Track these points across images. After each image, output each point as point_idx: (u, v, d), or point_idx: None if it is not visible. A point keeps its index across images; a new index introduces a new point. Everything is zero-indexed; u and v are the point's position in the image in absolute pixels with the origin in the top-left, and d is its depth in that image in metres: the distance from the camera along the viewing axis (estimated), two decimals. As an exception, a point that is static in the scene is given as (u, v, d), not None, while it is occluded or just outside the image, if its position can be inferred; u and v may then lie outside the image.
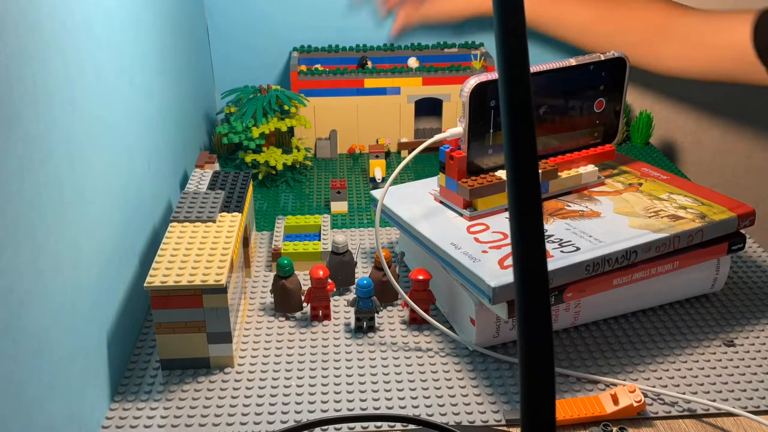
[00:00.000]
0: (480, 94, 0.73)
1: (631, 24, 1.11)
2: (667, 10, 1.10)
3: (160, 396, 0.67)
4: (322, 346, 0.73)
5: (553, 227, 0.73)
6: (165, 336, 0.67)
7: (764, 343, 0.73)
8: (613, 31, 1.12)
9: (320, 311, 0.77)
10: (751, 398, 0.66)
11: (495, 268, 0.67)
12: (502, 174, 0.77)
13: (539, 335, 0.34)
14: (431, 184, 0.84)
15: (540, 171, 0.78)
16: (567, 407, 0.63)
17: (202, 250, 0.69)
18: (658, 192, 0.79)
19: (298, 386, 0.68)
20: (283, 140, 1.13)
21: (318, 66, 1.19)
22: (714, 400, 0.66)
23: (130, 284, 0.73)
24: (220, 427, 0.63)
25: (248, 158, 1.05)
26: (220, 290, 0.66)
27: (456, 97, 1.16)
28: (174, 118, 0.94)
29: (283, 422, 0.64)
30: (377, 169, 1.06)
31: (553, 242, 0.70)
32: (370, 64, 1.20)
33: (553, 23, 1.16)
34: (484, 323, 0.70)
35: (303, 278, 0.84)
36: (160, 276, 0.65)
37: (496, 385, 0.68)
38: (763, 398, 0.66)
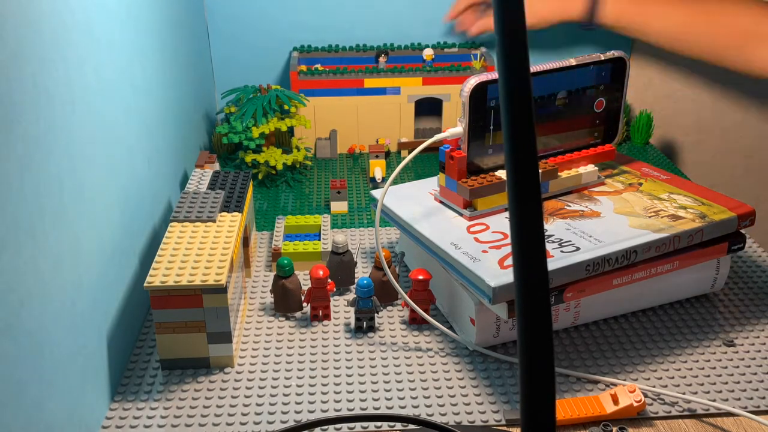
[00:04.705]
0: (480, 94, 0.73)
1: (723, 27, 1.05)
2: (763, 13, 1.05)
3: (160, 396, 0.67)
4: (322, 346, 0.73)
5: (553, 227, 0.73)
6: (165, 336, 0.67)
7: (764, 343, 0.73)
8: (703, 33, 1.06)
9: (320, 311, 0.77)
10: (751, 398, 0.66)
11: (495, 268, 0.67)
12: (502, 174, 0.77)
13: (539, 335, 0.34)
14: (431, 184, 0.84)
15: (540, 171, 0.78)
16: (567, 407, 0.63)
17: (202, 250, 0.69)
18: (658, 192, 0.79)
19: (298, 386, 0.68)
20: (283, 140, 1.13)
21: (318, 66, 1.19)
22: (714, 400, 0.66)
23: (130, 284, 0.73)
24: (220, 427, 0.63)
25: (248, 158, 1.05)
26: (220, 290, 0.66)
27: (456, 97, 1.16)
28: (174, 118, 0.94)
29: (283, 422, 0.64)
30: (377, 169, 1.06)
31: (553, 242, 0.70)
32: (383, 60, 1.20)
33: (639, 26, 1.11)
34: (484, 323, 0.70)
35: (303, 278, 0.84)
36: (160, 276, 0.65)
37: (496, 385, 0.68)
38: (763, 398, 0.66)
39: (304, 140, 1.15)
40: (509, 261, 0.68)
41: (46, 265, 0.53)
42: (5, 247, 0.47)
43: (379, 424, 0.63)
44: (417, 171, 1.12)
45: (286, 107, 1.09)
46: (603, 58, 0.80)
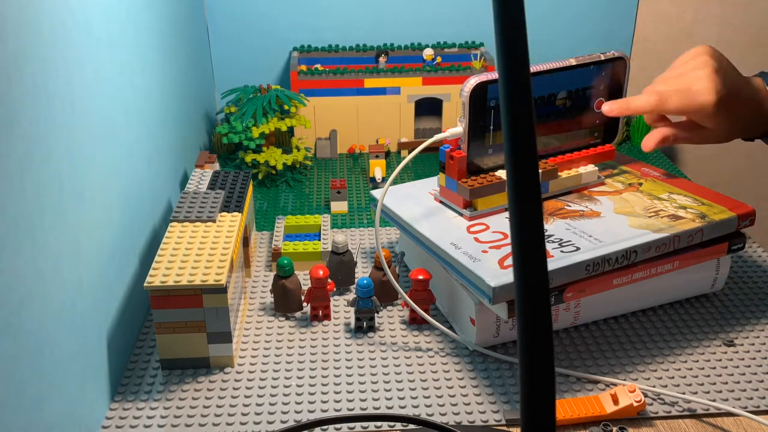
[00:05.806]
0: (480, 94, 0.73)
1: None
2: None
3: (160, 396, 0.67)
4: (322, 346, 0.73)
5: (553, 227, 0.73)
6: (165, 336, 0.67)
7: (764, 343, 0.73)
8: None
9: (320, 311, 0.77)
10: (751, 398, 0.66)
11: (495, 268, 0.67)
12: (502, 174, 0.77)
13: (539, 335, 0.34)
14: (431, 184, 0.84)
15: (540, 171, 0.78)
16: (567, 407, 0.63)
17: (202, 250, 0.69)
18: (658, 192, 0.79)
19: (298, 386, 0.68)
20: (283, 140, 1.13)
21: (318, 66, 1.19)
22: (714, 400, 0.66)
23: (130, 284, 0.73)
24: (220, 427, 0.63)
25: (248, 158, 1.05)
26: (220, 290, 0.66)
27: (456, 97, 1.16)
28: (174, 118, 0.94)
29: (283, 422, 0.64)
30: (377, 169, 1.06)
31: (553, 242, 0.70)
32: (383, 60, 1.20)
33: None
34: (484, 323, 0.70)
35: (303, 278, 0.84)
36: (160, 276, 0.65)
37: (496, 385, 0.68)
38: (763, 398, 0.66)
39: (304, 140, 1.15)
40: (509, 261, 0.68)
41: (46, 265, 0.53)
42: (5, 247, 0.46)
43: (379, 424, 0.63)
44: (417, 171, 1.12)
45: (286, 107, 1.09)
46: (603, 58, 0.80)
